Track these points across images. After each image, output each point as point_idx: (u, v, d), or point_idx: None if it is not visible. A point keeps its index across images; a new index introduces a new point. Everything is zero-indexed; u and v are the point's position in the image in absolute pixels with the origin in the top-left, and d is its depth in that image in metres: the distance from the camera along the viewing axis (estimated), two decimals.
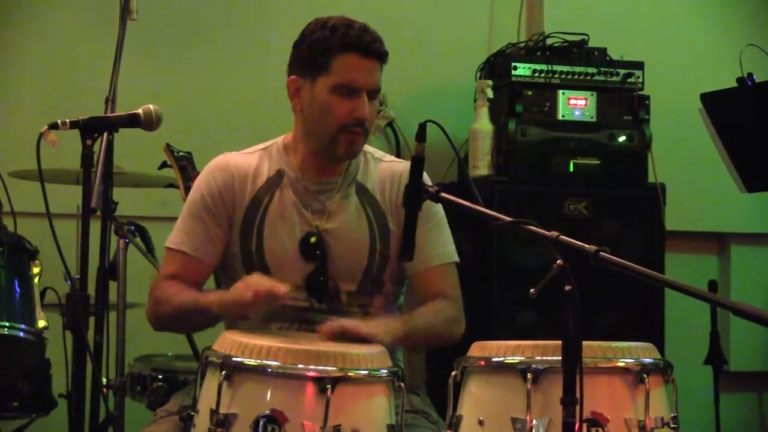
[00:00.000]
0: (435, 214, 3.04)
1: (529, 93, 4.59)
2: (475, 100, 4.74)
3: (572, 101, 4.63)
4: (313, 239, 2.97)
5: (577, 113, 4.63)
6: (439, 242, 3.05)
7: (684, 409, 2.51)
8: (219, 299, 2.81)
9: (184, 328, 3.35)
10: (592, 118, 4.64)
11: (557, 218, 4.45)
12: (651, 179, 4.65)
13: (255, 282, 2.73)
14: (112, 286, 3.43)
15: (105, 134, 2.98)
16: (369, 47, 2.91)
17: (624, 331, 4.12)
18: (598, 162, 4.62)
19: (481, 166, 4.63)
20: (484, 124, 4.66)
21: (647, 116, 4.67)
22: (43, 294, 3.62)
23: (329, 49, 2.91)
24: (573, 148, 4.60)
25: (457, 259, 3.08)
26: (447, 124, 2.66)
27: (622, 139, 4.64)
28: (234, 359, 2.39)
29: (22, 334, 3.46)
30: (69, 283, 3.14)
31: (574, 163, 4.60)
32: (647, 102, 4.67)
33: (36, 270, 3.60)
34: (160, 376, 3.73)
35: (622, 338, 2.53)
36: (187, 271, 2.99)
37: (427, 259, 3.00)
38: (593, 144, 4.62)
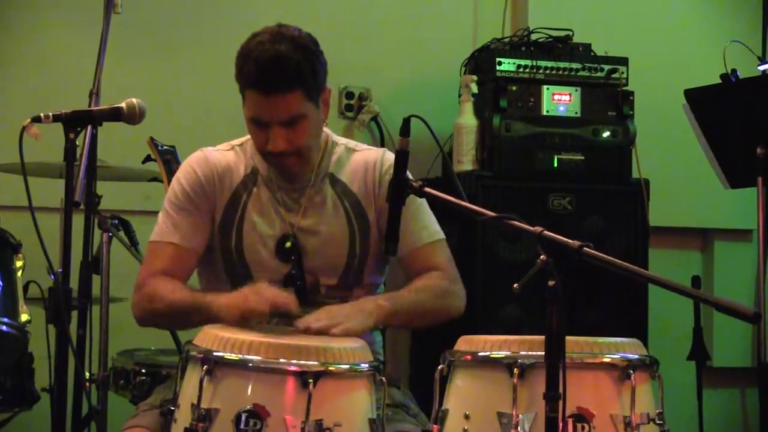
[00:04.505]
0: (412, 200, 3.01)
1: (514, 88, 4.58)
2: (459, 96, 4.73)
3: (557, 97, 4.63)
4: (288, 244, 2.96)
5: (561, 109, 4.63)
6: (421, 223, 3.02)
7: (667, 405, 2.51)
8: (225, 302, 2.76)
9: (175, 326, 3.33)
10: (576, 113, 4.64)
11: (541, 213, 4.44)
12: (635, 175, 4.65)
13: (270, 294, 2.72)
14: (96, 280, 3.42)
15: (88, 128, 2.98)
16: (269, 85, 2.82)
17: (607, 327, 4.13)
18: (582, 157, 4.61)
19: (466, 161, 4.62)
20: (468, 119, 4.66)
21: (631, 112, 4.66)
22: (26, 288, 3.61)
23: (240, 82, 2.90)
24: (557, 144, 4.60)
25: (443, 236, 3.05)
26: (431, 119, 2.66)
27: (606, 134, 4.64)
28: (215, 354, 2.38)
29: (4, 327, 3.45)
30: (52, 276, 3.13)
31: (558, 159, 4.59)
32: (631, 98, 4.67)
33: (19, 264, 3.59)
34: (143, 371, 3.71)
35: (605, 334, 2.52)
36: (177, 263, 2.96)
37: (412, 242, 2.98)
38: (577, 139, 4.62)
